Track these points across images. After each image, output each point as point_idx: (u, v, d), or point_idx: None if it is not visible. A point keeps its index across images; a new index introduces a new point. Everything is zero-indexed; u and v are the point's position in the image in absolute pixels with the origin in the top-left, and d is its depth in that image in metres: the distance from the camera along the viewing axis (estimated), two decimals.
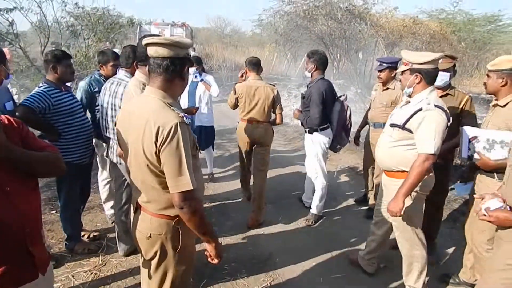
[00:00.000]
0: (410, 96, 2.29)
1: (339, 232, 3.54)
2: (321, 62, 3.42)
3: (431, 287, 2.62)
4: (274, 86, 3.62)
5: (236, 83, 3.70)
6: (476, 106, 2.99)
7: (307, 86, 3.58)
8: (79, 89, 3.23)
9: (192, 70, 4.28)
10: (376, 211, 2.74)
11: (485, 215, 1.70)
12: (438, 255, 3.10)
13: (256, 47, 21.47)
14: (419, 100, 2.21)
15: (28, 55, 6.28)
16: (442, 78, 2.73)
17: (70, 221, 2.96)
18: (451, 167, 3.16)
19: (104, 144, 3.28)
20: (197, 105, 4.38)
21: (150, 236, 1.58)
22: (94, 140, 3.27)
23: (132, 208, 1.73)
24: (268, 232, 3.53)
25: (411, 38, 10.14)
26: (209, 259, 1.68)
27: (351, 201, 4.27)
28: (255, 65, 3.56)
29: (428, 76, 2.21)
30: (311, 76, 3.49)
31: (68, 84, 2.98)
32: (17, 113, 2.46)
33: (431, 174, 2.36)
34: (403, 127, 2.23)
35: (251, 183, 3.98)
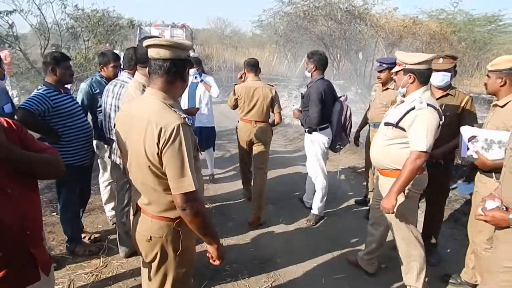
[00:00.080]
0: (404, 96, 2.34)
1: (340, 233, 3.53)
2: (320, 62, 3.44)
3: (432, 287, 2.61)
4: (272, 86, 3.69)
5: (235, 84, 3.76)
6: (476, 106, 2.99)
7: (307, 86, 3.60)
8: (80, 91, 3.22)
9: (192, 71, 4.29)
10: (372, 211, 2.74)
11: (481, 214, 1.70)
12: (439, 255, 3.10)
13: (256, 48, 21.46)
14: (412, 100, 2.25)
15: (29, 57, 6.29)
16: (443, 78, 2.74)
17: (70, 223, 2.96)
18: (451, 167, 3.15)
19: (106, 146, 3.28)
20: (197, 106, 4.38)
21: (150, 239, 1.57)
22: (95, 142, 3.28)
23: (131, 210, 1.72)
24: (269, 232, 3.53)
25: (411, 39, 10.14)
26: (210, 261, 1.67)
27: (352, 202, 4.27)
28: (254, 66, 3.64)
29: (422, 76, 2.25)
30: (311, 76, 3.52)
31: (68, 86, 2.97)
32: (16, 117, 2.45)
33: (424, 173, 2.40)
34: (396, 125, 2.27)
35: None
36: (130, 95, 2.35)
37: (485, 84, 2.39)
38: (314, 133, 3.53)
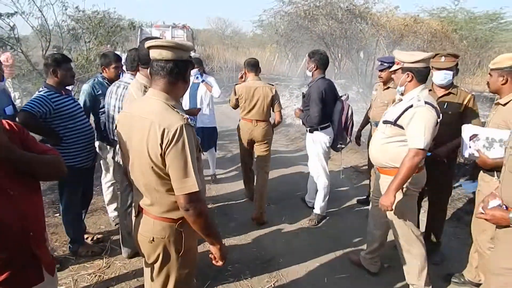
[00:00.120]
0: (402, 94, 2.35)
1: (343, 232, 3.53)
2: (321, 62, 3.45)
3: (435, 286, 2.60)
4: (272, 85, 3.73)
5: (236, 84, 3.79)
6: (478, 104, 2.98)
7: (308, 85, 3.61)
8: (83, 92, 3.23)
9: (194, 71, 4.30)
10: (372, 210, 2.75)
11: (482, 213, 1.70)
12: (443, 254, 3.09)
13: (257, 48, 21.45)
14: (410, 98, 2.27)
15: (30, 59, 6.30)
16: (445, 76, 2.73)
17: (72, 225, 2.96)
18: (454, 166, 3.14)
19: (109, 147, 3.28)
20: (198, 107, 4.39)
21: (152, 240, 1.57)
22: (98, 143, 3.28)
23: (133, 211, 1.71)
24: (271, 232, 3.53)
25: (412, 37, 10.11)
26: (213, 262, 1.67)
27: (354, 201, 4.26)
28: (254, 66, 3.68)
29: (419, 75, 2.27)
30: (312, 75, 3.53)
31: (69, 87, 2.97)
32: (17, 119, 2.45)
33: (423, 171, 2.42)
34: (394, 123, 2.29)
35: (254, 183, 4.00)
36: (132, 96, 2.35)
37: (488, 83, 2.39)
38: (315, 132, 3.53)
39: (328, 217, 3.81)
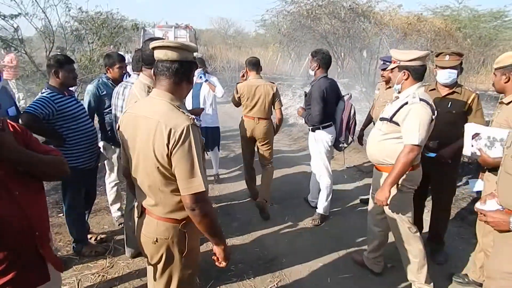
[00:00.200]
0: (399, 92, 2.38)
1: (346, 232, 3.52)
2: (324, 61, 3.46)
3: (439, 286, 2.59)
4: (273, 83, 3.80)
5: (238, 83, 3.85)
6: (482, 103, 2.96)
7: (310, 84, 3.61)
8: (87, 93, 3.23)
9: (197, 71, 4.31)
10: (371, 208, 2.74)
11: (482, 215, 1.69)
12: (446, 254, 3.07)
13: (259, 47, 21.44)
14: (406, 95, 2.30)
15: (34, 60, 6.34)
16: (450, 75, 2.72)
17: (75, 225, 2.98)
18: (457, 165, 3.12)
19: (113, 147, 3.29)
20: (201, 106, 4.39)
21: (156, 241, 1.56)
22: (102, 143, 3.29)
23: (136, 212, 1.72)
24: (274, 232, 3.53)
25: (416, 36, 10.06)
26: (216, 263, 1.67)
27: (357, 201, 4.25)
28: (255, 65, 3.75)
29: (416, 73, 2.29)
30: (314, 74, 3.54)
31: (72, 88, 2.98)
32: (21, 121, 2.46)
33: (418, 168, 2.44)
34: (390, 120, 2.32)
35: (257, 183, 4.00)
36: (135, 96, 2.35)
37: (493, 83, 2.39)
38: (317, 131, 3.54)
39: (331, 217, 3.81)
